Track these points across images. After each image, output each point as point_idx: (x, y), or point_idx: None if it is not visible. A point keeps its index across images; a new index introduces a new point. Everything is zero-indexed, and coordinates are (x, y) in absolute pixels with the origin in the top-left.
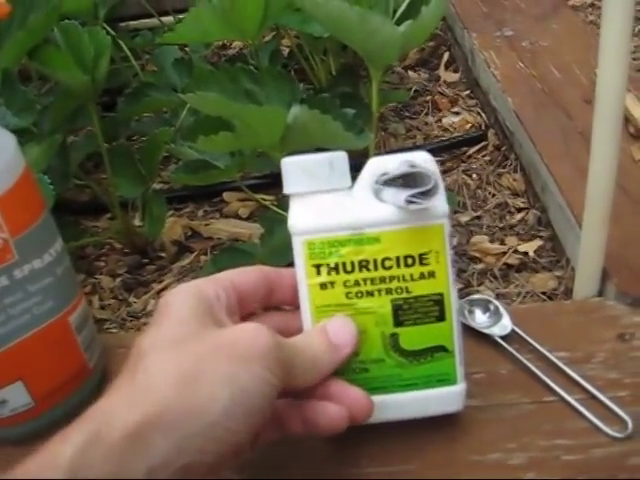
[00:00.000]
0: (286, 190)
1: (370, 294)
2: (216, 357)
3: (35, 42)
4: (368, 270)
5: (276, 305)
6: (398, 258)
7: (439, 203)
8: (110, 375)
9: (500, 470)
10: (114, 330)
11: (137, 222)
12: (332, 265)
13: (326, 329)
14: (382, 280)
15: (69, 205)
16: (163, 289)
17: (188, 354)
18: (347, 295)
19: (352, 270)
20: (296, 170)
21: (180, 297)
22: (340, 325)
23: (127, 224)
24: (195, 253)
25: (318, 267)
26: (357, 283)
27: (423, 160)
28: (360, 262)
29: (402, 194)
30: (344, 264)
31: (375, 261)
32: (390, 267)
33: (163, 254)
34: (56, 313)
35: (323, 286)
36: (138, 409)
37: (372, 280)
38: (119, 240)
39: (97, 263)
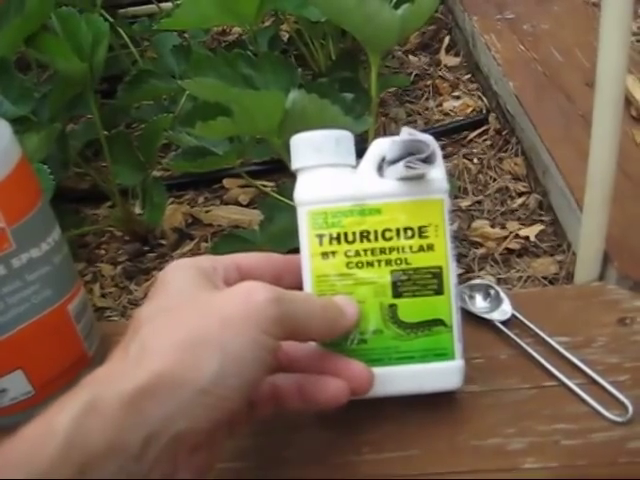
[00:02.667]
0: (294, 166)
1: (370, 264)
2: (208, 323)
3: (32, 29)
4: (369, 241)
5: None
6: (398, 230)
7: (439, 178)
8: None
9: (499, 455)
10: (115, 318)
11: (137, 210)
12: (334, 235)
13: (332, 298)
14: (382, 251)
15: (69, 193)
16: None
17: (181, 322)
18: (348, 265)
19: (353, 240)
20: (303, 145)
21: (177, 269)
22: (345, 298)
23: (127, 212)
24: (195, 240)
25: (320, 237)
26: (358, 253)
27: (424, 136)
28: (361, 233)
29: (402, 164)
30: (346, 234)
31: (376, 232)
32: (390, 238)
33: (164, 241)
34: (55, 302)
35: (325, 255)
36: (132, 378)
37: (372, 251)
38: (119, 228)
39: (98, 251)
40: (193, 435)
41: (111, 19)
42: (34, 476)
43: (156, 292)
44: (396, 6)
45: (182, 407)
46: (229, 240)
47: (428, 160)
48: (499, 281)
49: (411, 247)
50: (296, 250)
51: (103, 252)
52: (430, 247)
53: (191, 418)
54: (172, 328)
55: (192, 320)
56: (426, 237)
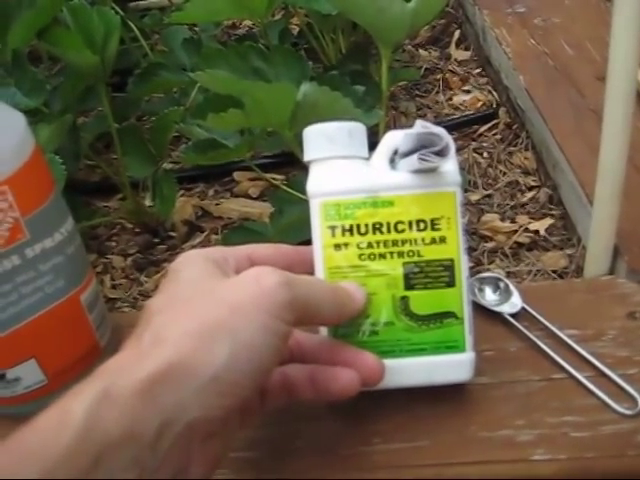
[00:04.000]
0: (306, 157)
1: (382, 256)
2: (219, 311)
3: (44, 22)
4: (381, 233)
5: None
6: (411, 222)
7: (452, 170)
8: None
9: (509, 447)
10: (126, 309)
11: (148, 202)
12: (347, 227)
13: (340, 283)
14: (394, 243)
15: (80, 185)
16: None
17: (193, 311)
18: (360, 257)
19: (366, 232)
20: (316, 136)
21: (188, 260)
22: (353, 284)
23: (138, 204)
24: (206, 233)
25: (333, 229)
26: (370, 245)
27: (438, 129)
28: (374, 225)
29: (415, 157)
30: (358, 226)
31: (388, 224)
32: (403, 230)
33: (174, 234)
34: (67, 292)
35: (337, 247)
36: (146, 367)
37: (385, 243)
38: (130, 220)
39: (108, 243)
40: (206, 423)
41: (122, 12)
42: (49, 466)
43: (168, 283)
44: None
45: (195, 395)
46: (239, 232)
47: (442, 153)
48: (509, 275)
49: (423, 239)
50: (306, 243)
51: (114, 244)
52: (442, 240)
53: (204, 406)
54: (184, 317)
55: (203, 309)
56: (438, 230)
